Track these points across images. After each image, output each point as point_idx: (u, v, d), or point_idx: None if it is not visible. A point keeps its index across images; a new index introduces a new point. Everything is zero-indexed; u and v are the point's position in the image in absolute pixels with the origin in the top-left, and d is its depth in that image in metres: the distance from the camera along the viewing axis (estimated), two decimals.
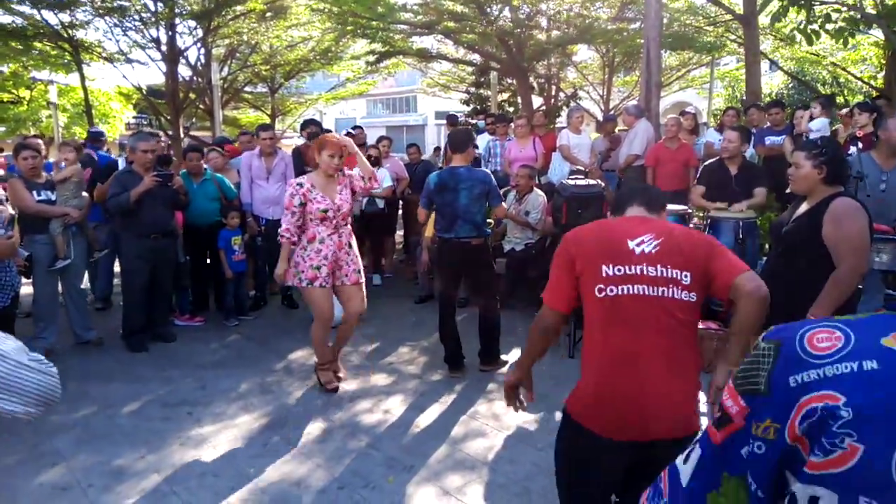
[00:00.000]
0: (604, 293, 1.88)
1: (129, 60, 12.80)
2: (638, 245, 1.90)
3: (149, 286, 5.11)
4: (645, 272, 1.87)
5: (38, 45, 12.48)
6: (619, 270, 1.88)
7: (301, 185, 4.00)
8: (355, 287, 4.16)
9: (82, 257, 5.09)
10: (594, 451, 1.87)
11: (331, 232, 4.03)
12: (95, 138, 7.29)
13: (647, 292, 1.86)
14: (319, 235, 4.01)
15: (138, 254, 5.01)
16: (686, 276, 1.87)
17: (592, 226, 2.05)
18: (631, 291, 1.87)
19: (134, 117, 21.70)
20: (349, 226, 4.19)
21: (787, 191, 3.10)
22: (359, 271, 4.18)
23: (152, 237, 5.02)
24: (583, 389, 1.93)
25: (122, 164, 6.03)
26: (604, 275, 1.88)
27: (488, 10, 11.96)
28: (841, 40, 7.95)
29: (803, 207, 2.94)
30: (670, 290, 1.86)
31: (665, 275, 1.87)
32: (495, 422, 3.81)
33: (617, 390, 1.84)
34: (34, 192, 4.69)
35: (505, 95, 16.04)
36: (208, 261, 5.95)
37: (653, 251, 1.89)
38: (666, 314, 1.84)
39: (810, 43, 8.22)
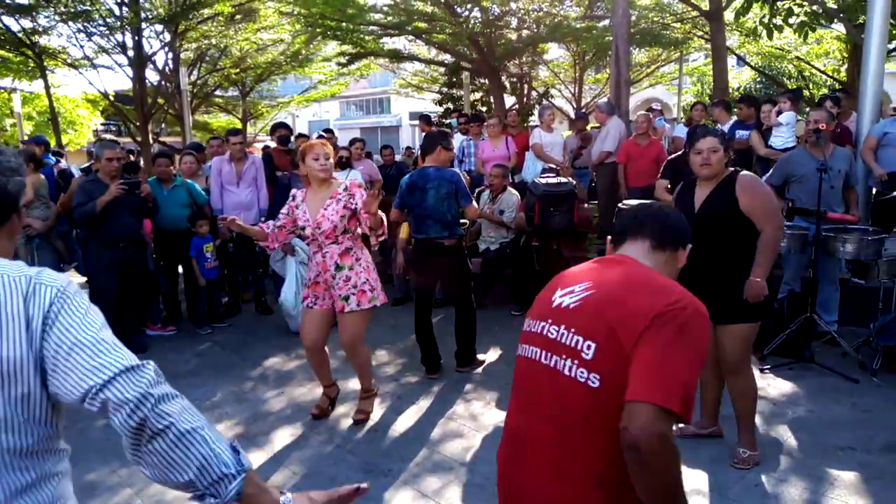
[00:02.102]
0: (518, 351, 1.55)
1: (94, 66, 12.56)
2: (563, 295, 1.46)
3: (118, 296, 5.02)
4: (545, 332, 1.44)
5: None
6: (529, 326, 1.52)
7: (294, 197, 3.72)
8: (342, 315, 3.66)
9: (53, 268, 4.98)
10: None
11: (315, 250, 3.68)
12: (38, 144, 7.12)
13: (540, 359, 1.43)
14: (310, 254, 3.78)
15: (106, 263, 4.92)
16: (588, 348, 1.34)
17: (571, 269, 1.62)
18: (527, 354, 1.48)
19: (102, 124, 21.33)
20: (344, 244, 3.63)
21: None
22: (347, 298, 3.61)
23: (120, 246, 4.94)
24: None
25: (76, 172, 5.91)
26: (525, 328, 1.54)
27: (458, 10, 11.97)
28: (802, 34, 8.11)
29: (704, 190, 3.10)
30: (564, 362, 1.37)
31: (564, 340, 1.39)
32: (473, 422, 3.82)
33: (503, 481, 1.52)
34: None
35: (478, 95, 16.07)
36: (180, 268, 5.87)
37: (570, 305, 1.43)
38: (552, 395, 1.38)
39: (771, 37, 8.37)
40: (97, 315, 1.16)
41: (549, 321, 1.44)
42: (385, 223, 3.63)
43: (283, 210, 3.73)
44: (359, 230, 3.70)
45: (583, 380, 1.33)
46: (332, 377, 3.97)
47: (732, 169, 3.12)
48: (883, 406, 3.81)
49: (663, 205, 1.67)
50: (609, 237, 1.65)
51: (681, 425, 3.35)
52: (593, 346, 1.33)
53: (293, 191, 3.80)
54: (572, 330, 1.37)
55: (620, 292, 1.37)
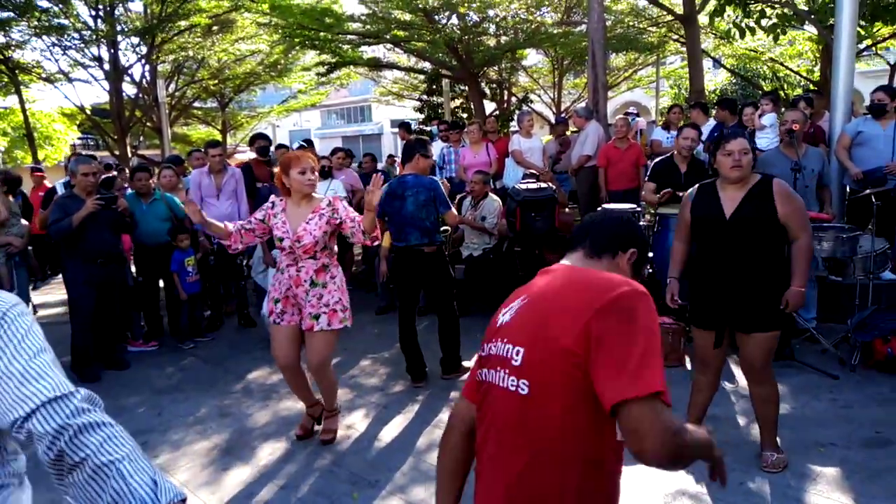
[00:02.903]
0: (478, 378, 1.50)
1: (70, 80, 12.45)
2: (505, 314, 1.45)
3: (98, 312, 4.95)
4: (490, 350, 1.43)
5: None
6: (483, 350, 1.48)
7: (273, 205, 3.54)
8: (310, 335, 3.49)
9: (25, 286, 4.91)
10: None
11: (289, 263, 3.49)
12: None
13: (489, 379, 1.41)
14: (280, 264, 3.56)
15: (84, 279, 4.86)
16: (517, 354, 1.32)
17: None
18: (484, 378, 1.44)
19: (79, 138, 21.09)
20: (321, 260, 3.49)
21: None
22: (317, 316, 3.45)
23: (98, 262, 4.88)
24: None
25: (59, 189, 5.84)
26: (483, 352, 1.50)
27: (436, 17, 12.01)
28: (774, 36, 8.25)
29: (732, 194, 3.01)
30: (499, 374, 1.36)
31: (499, 352, 1.38)
32: None
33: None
34: None
35: (458, 102, 16.12)
36: (161, 283, 5.81)
37: (506, 320, 1.42)
38: (495, 412, 1.37)
39: (743, 37, 8.51)
40: (35, 339, 1.15)
41: (494, 340, 1.41)
42: (378, 227, 3.53)
43: (258, 214, 3.55)
44: (335, 248, 3.59)
45: (513, 388, 1.31)
46: (313, 396, 3.81)
47: (760, 174, 3.04)
48: (862, 402, 3.87)
49: (611, 211, 1.62)
50: None
51: None
52: (521, 350, 1.31)
53: (272, 197, 3.64)
54: (504, 338, 1.37)
55: (553, 294, 1.35)
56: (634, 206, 5.40)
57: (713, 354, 3.19)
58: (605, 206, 5.62)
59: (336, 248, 3.61)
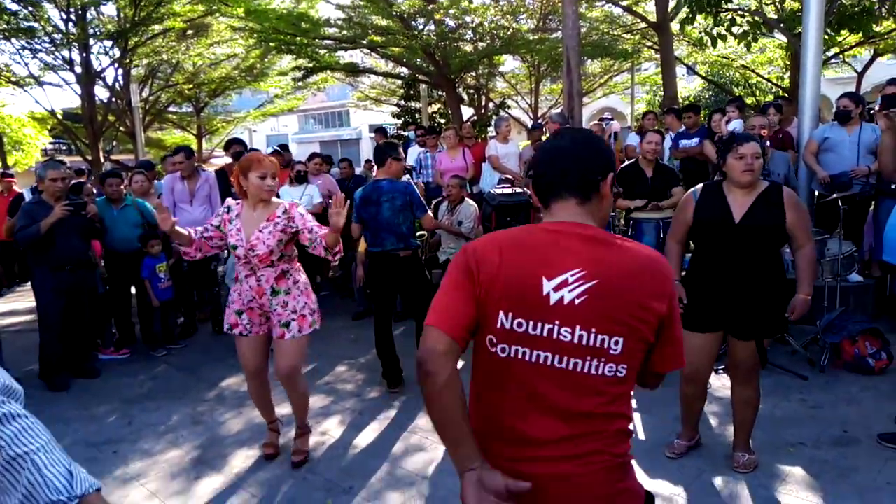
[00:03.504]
0: (494, 348, 1.39)
1: (40, 83, 12.22)
2: (556, 289, 1.34)
3: (67, 320, 4.86)
4: (556, 335, 1.34)
5: None
6: (521, 325, 1.35)
7: (229, 209, 3.36)
8: (279, 342, 3.35)
9: None
10: None
11: (247, 273, 3.31)
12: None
13: (551, 363, 1.35)
14: (239, 275, 3.36)
15: (53, 287, 4.76)
16: (616, 344, 1.34)
17: (504, 240, 1.42)
18: (527, 358, 1.36)
19: (50, 143, 20.71)
20: (280, 267, 3.31)
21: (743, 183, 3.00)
22: (287, 324, 3.31)
23: (67, 269, 4.79)
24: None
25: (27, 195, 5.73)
26: (499, 325, 1.37)
27: (413, 23, 12.03)
28: (745, 43, 8.41)
29: (741, 199, 2.95)
30: (588, 363, 1.35)
31: (586, 342, 1.34)
32: (435, 435, 3.77)
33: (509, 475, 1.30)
34: None
35: (435, 107, 16.16)
36: (133, 289, 5.71)
37: (575, 301, 1.33)
38: (569, 395, 1.36)
39: (715, 45, 8.66)
40: None
41: (556, 323, 1.33)
42: (340, 242, 3.31)
43: (214, 221, 3.35)
44: (295, 252, 3.43)
45: (611, 374, 1.36)
46: (274, 412, 3.70)
47: (767, 181, 3.03)
48: (832, 402, 3.94)
49: (570, 135, 1.50)
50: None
51: (675, 442, 3.39)
52: (620, 341, 1.34)
53: (228, 200, 3.43)
54: (592, 331, 1.33)
55: (625, 281, 1.34)
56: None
57: (706, 357, 3.16)
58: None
59: (296, 251, 3.45)
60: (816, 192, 5.68)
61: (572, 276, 1.33)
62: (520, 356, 1.36)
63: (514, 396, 1.38)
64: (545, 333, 1.34)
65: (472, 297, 1.37)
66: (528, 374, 1.36)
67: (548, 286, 1.33)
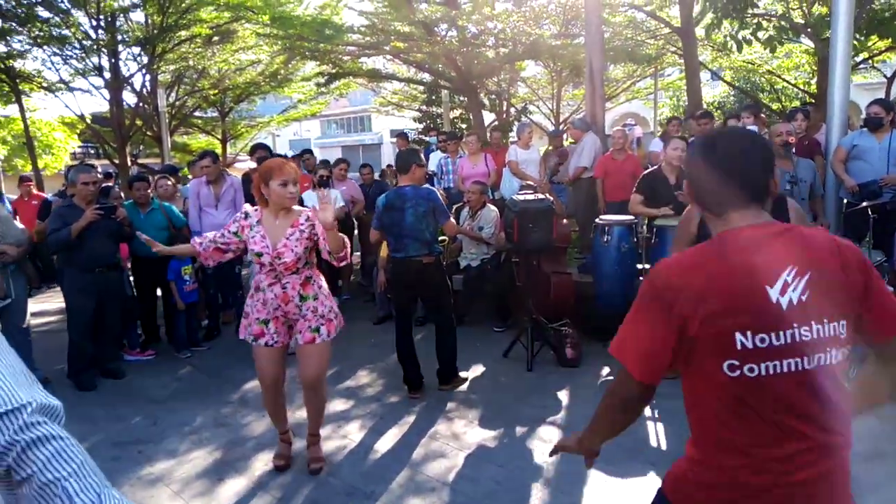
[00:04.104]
0: (738, 371, 1.33)
1: (71, 89, 12.47)
2: (782, 292, 1.32)
3: (95, 321, 4.95)
4: (798, 338, 1.32)
5: None
6: (763, 341, 1.31)
7: (247, 215, 3.33)
8: (308, 347, 3.32)
9: (23, 295, 4.90)
10: None
11: (271, 282, 3.28)
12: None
13: (802, 367, 1.33)
14: (260, 284, 3.33)
15: (82, 288, 4.86)
16: (843, 327, 1.35)
17: (706, 255, 1.39)
18: (780, 370, 1.33)
19: (79, 147, 21.13)
20: (304, 274, 3.31)
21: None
22: (317, 329, 3.31)
23: (96, 271, 4.89)
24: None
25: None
26: (739, 346, 1.32)
27: (435, 29, 12.08)
28: (771, 48, 8.31)
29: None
30: (829, 354, 1.34)
31: (825, 334, 1.33)
32: (455, 441, 3.80)
33: None
34: None
35: (457, 112, 16.18)
36: (158, 292, 5.81)
37: (803, 299, 1.32)
38: (821, 397, 1.33)
39: (741, 50, 8.57)
40: None
41: (795, 325, 1.32)
42: (348, 247, 3.30)
43: (232, 227, 3.31)
44: (315, 259, 3.41)
45: (843, 358, 1.36)
46: (287, 423, 3.67)
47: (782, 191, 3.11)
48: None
49: (736, 142, 1.46)
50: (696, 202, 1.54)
51: None
52: (844, 323, 1.35)
53: (246, 206, 3.42)
54: (824, 320, 1.33)
55: (827, 265, 1.36)
56: (633, 217, 5.42)
57: None
58: (603, 217, 5.64)
59: (316, 259, 3.42)
60: (845, 200, 5.59)
61: (788, 276, 1.33)
62: (771, 371, 1.33)
63: (771, 411, 1.34)
64: (789, 340, 1.32)
65: (671, 336, 1.35)
66: (782, 385, 1.33)
67: (774, 293, 1.32)
